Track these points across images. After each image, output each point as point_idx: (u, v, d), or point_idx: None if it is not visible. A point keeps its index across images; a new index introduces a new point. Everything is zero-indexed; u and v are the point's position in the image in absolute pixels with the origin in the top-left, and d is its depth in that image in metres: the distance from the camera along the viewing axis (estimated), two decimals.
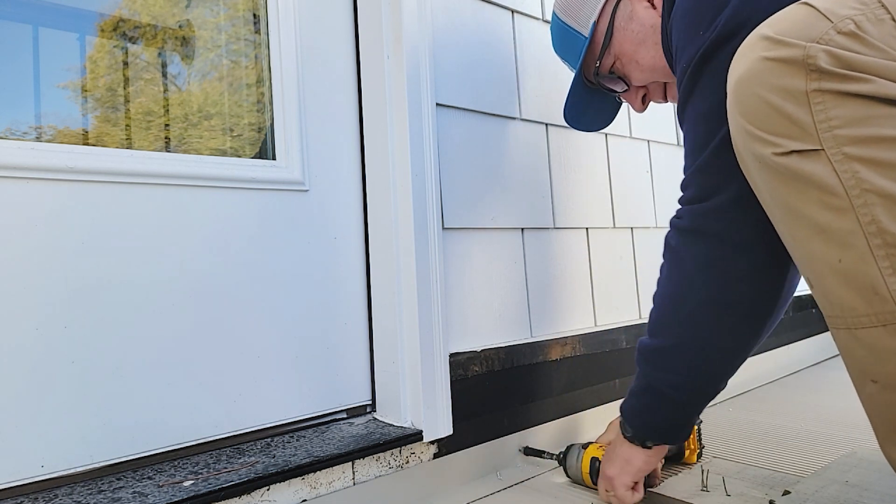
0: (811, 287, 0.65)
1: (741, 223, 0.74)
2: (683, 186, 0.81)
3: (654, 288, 0.88)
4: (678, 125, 0.98)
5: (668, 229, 0.84)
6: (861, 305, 0.59)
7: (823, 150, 0.58)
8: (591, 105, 1.13)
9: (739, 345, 0.80)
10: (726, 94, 0.70)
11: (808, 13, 0.60)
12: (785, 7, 0.63)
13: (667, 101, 1.05)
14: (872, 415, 0.63)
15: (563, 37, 1.10)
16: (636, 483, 0.91)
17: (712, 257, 0.76)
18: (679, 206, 0.82)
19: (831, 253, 0.60)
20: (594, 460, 1.00)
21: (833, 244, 0.59)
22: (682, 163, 0.83)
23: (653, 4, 0.95)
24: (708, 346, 0.80)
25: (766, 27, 0.62)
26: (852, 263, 0.58)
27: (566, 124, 1.16)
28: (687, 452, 1.10)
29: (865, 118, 0.57)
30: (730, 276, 0.76)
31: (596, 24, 1.02)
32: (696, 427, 1.11)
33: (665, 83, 1.01)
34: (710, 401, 0.87)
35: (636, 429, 0.90)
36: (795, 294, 1.09)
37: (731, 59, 0.70)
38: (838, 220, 0.59)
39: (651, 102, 1.06)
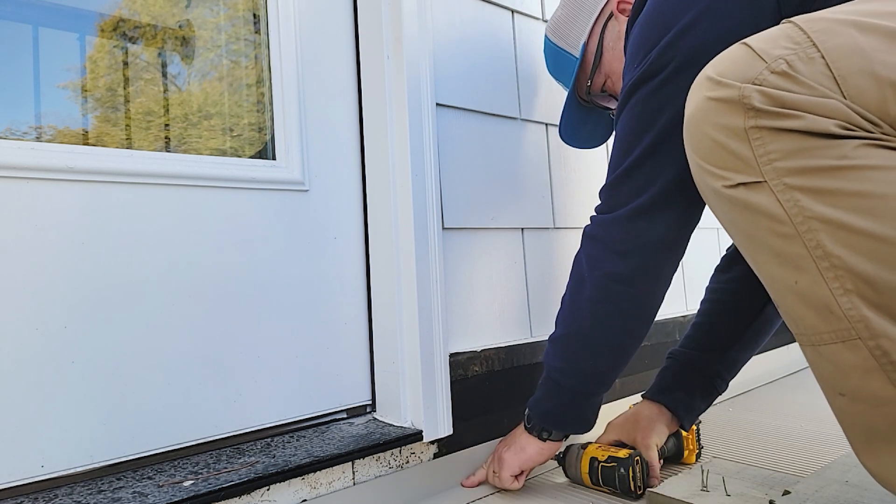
0: (777, 306, 0.68)
1: (625, 236, 0.85)
2: (599, 195, 0.91)
3: None
4: None
5: None
6: (820, 324, 0.62)
7: (766, 181, 0.62)
8: (587, 123, 1.18)
9: (616, 338, 0.90)
10: (638, 127, 0.82)
11: (745, 53, 0.64)
12: (707, 54, 0.68)
13: None
14: (845, 426, 0.65)
15: (555, 58, 1.14)
16: (522, 472, 1.00)
17: (598, 258, 0.88)
18: (592, 215, 0.92)
19: (788, 275, 0.63)
20: (593, 460, 1.00)
21: (788, 267, 0.63)
22: None
23: None
24: (589, 336, 0.91)
25: (710, 67, 0.66)
26: (807, 285, 0.62)
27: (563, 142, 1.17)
28: (686, 452, 1.10)
29: (800, 150, 0.60)
30: (608, 277, 0.87)
31: (586, 44, 1.07)
32: (694, 427, 1.11)
33: None
34: (598, 392, 0.95)
35: (536, 417, 0.98)
36: None
37: (650, 96, 0.80)
38: (788, 246, 0.62)
39: None
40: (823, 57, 0.60)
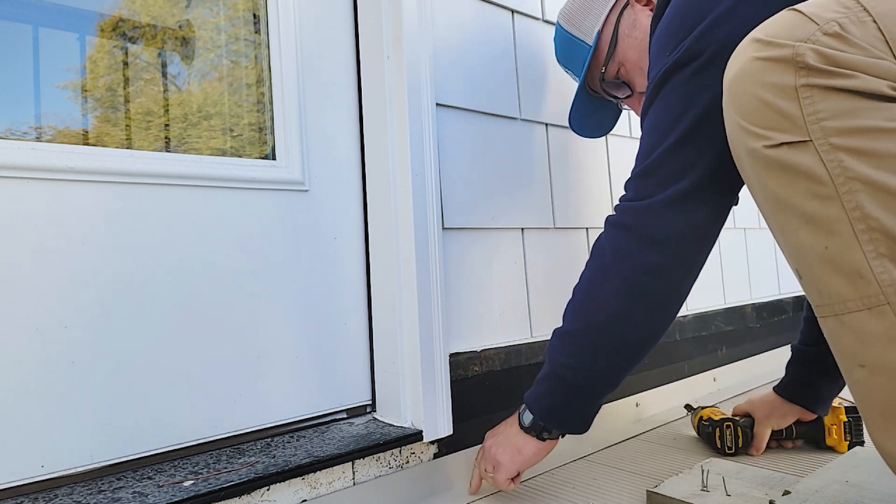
0: (800, 278, 0.68)
1: (661, 223, 0.81)
2: (625, 187, 0.87)
3: None
4: None
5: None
6: (847, 290, 0.62)
7: (811, 140, 0.62)
8: (595, 113, 1.19)
9: (638, 334, 0.86)
10: (675, 112, 0.79)
11: (796, 17, 0.64)
12: (744, 38, 0.68)
13: None
14: (861, 401, 0.65)
15: (568, 46, 1.14)
16: (518, 475, 0.96)
17: (628, 248, 0.83)
18: (617, 204, 0.87)
19: (818, 241, 0.63)
20: (701, 419, 1.18)
21: (820, 232, 0.63)
22: None
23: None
24: (608, 332, 0.86)
25: (757, 31, 0.66)
26: (838, 249, 0.62)
27: (568, 126, 1.18)
28: (829, 440, 1.14)
29: (850, 111, 0.61)
30: (640, 268, 0.82)
31: (600, 32, 1.07)
32: (844, 418, 1.13)
33: None
34: (606, 390, 0.91)
35: (537, 413, 0.92)
36: (797, 294, 1.11)
37: (687, 82, 0.78)
38: (824, 208, 0.62)
39: None
40: (875, 21, 0.61)
